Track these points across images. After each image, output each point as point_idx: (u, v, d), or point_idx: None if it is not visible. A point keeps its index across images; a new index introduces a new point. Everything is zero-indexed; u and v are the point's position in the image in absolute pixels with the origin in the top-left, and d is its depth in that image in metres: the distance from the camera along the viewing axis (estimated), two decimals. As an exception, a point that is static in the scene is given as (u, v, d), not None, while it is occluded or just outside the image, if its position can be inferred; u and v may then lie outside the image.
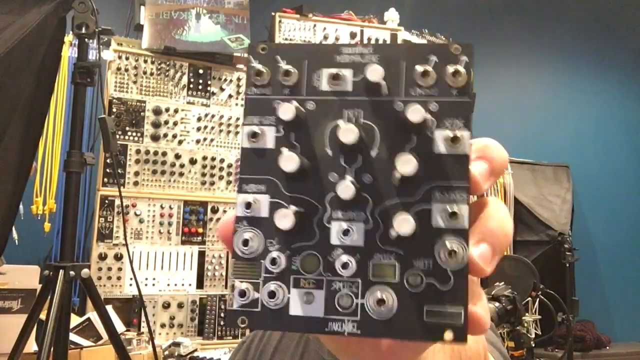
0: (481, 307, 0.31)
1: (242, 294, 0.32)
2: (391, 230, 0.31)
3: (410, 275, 0.31)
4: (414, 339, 0.31)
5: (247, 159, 0.34)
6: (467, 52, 0.33)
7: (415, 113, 0.31)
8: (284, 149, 0.33)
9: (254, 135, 0.33)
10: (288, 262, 0.32)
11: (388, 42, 3.75)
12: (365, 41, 3.67)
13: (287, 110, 0.33)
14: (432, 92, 0.32)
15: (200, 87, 3.41)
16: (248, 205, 0.33)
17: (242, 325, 0.32)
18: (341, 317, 0.31)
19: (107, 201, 3.12)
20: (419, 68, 0.32)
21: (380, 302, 0.31)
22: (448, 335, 0.30)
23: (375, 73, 0.32)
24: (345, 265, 0.31)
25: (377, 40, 3.74)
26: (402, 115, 0.32)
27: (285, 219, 0.32)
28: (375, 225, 0.32)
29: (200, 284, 3.29)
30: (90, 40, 1.93)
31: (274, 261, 0.32)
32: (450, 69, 0.32)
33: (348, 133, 0.32)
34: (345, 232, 0.32)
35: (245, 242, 0.32)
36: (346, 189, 0.31)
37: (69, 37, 2.99)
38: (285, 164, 0.32)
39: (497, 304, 2.50)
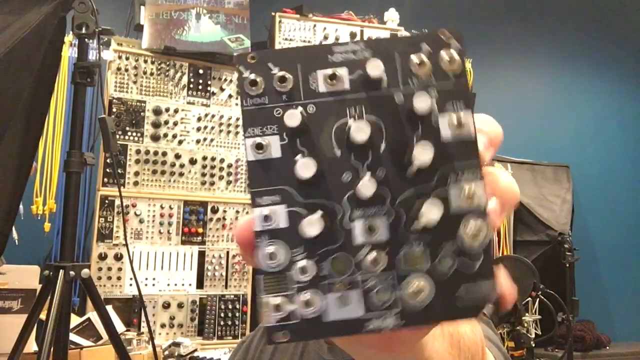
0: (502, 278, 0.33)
1: (277, 308, 0.31)
2: (417, 221, 0.31)
3: (440, 260, 0.32)
4: (456, 318, 0.32)
5: (256, 172, 0.33)
6: (457, 37, 0.33)
7: (423, 101, 0.32)
8: (298, 156, 0.32)
9: (259, 146, 0.33)
10: (317, 268, 0.32)
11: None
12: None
13: (293, 117, 0.32)
14: (430, 79, 0.33)
15: (200, 87, 3.41)
16: (266, 219, 0.32)
17: (285, 340, 0.31)
18: (382, 312, 0.31)
19: (107, 201, 3.12)
20: (415, 58, 0.33)
21: (418, 290, 0.31)
22: (487, 307, 0.31)
23: (376, 68, 0.32)
24: (375, 262, 0.31)
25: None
26: (406, 105, 0.32)
27: (312, 226, 0.31)
28: (397, 217, 0.32)
29: (200, 284, 3.29)
30: (90, 40, 1.93)
31: (304, 270, 0.32)
32: (445, 55, 0.33)
33: (360, 131, 0.32)
34: (369, 229, 0.32)
35: (271, 256, 0.32)
36: (367, 186, 0.32)
37: (69, 37, 2.99)
38: (303, 171, 0.32)
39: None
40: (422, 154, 0.31)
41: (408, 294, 0.31)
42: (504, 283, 0.32)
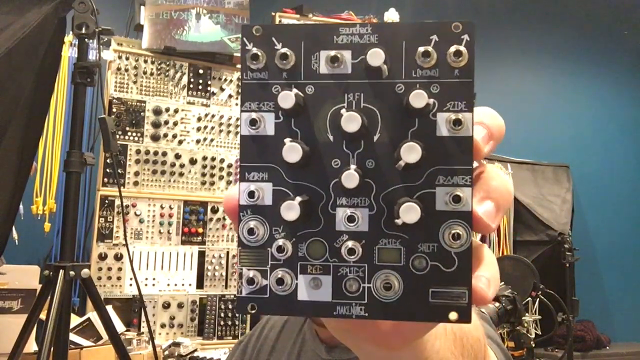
0: (487, 274, 0.32)
1: (251, 281, 0.32)
2: (397, 220, 0.31)
3: (415, 259, 0.31)
4: (420, 320, 0.31)
5: (248, 147, 0.33)
6: (469, 31, 0.32)
7: (418, 98, 0.31)
8: (287, 140, 0.32)
9: (253, 122, 0.33)
10: (294, 249, 0.32)
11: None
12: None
13: (287, 98, 0.32)
14: (434, 73, 0.32)
15: (200, 87, 3.41)
16: (251, 194, 0.33)
17: (252, 311, 0.32)
18: (348, 301, 0.32)
19: (107, 201, 3.11)
20: (422, 50, 0.32)
21: (387, 285, 0.31)
22: (453, 315, 0.31)
23: (376, 57, 0.32)
24: (351, 251, 0.32)
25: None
26: (404, 99, 0.32)
27: (290, 210, 0.32)
28: (379, 211, 0.32)
29: (200, 284, 3.29)
30: (90, 40, 1.93)
31: (280, 248, 0.32)
32: (452, 49, 0.32)
33: (351, 122, 0.31)
34: (350, 219, 0.32)
35: (251, 231, 0.32)
36: (350, 177, 0.31)
37: (69, 37, 2.99)
38: (289, 154, 0.32)
39: (497, 304, 2.50)
40: (409, 153, 0.31)
41: (376, 288, 0.31)
42: (480, 285, 0.31)
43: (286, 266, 0.32)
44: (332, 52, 0.32)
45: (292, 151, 0.32)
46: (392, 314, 0.31)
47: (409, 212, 0.31)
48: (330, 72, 0.33)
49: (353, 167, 0.32)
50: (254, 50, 0.33)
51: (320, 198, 0.32)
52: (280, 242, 0.32)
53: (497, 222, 0.32)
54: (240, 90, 0.34)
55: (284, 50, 0.33)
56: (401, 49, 0.32)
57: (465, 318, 0.31)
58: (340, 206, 0.32)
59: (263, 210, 0.33)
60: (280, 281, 0.32)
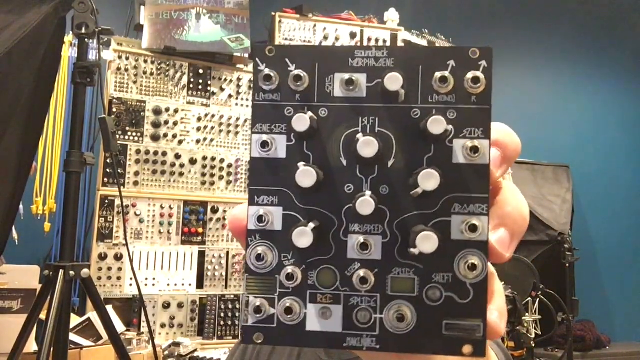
0: (497, 308, 0.31)
1: (258, 310, 0.31)
2: (412, 249, 0.30)
3: (429, 289, 0.31)
4: (432, 353, 0.31)
5: (258, 170, 0.32)
6: (486, 57, 0.32)
7: (437, 124, 0.30)
8: (301, 164, 0.31)
9: (264, 144, 0.32)
10: (304, 276, 0.31)
11: (388, 42, 3.75)
12: (365, 41, 3.67)
13: (301, 121, 0.31)
14: (450, 98, 0.31)
15: (200, 87, 3.41)
16: (260, 219, 0.32)
17: (259, 342, 0.31)
18: (359, 333, 0.31)
19: (107, 201, 3.11)
20: (439, 75, 0.31)
21: (400, 317, 0.30)
22: (467, 349, 0.30)
23: (395, 82, 0.31)
24: (363, 280, 0.31)
25: (377, 40, 3.74)
26: (420, 124, 0.31)
27: (303, 237, 0.31)
28: (393, 239, 0.31)
29: (200, 284, 3.29)
30: (90, 40, 1.93)
31: (289, 276, 0.31)
32: (470, 75, 0.31)
33: (368, 146, 0.30)
34: (363, 246, 0.31)
35: (259, 257, 0.31)
36: (366, 204, 0.30)
37: (69, 37, 2.99)
38: (303, 179, 0.31)
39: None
40: (427, 181, 0.30)
41: (389, 319, 0.31)
42: (493, 319, 0.30)
43: (295, 295, 0.31)
44: (347, 75, 0.32)
45: (306, 175, 0.31)
46: (404, 346, 0.31)
47: (427, 242, 0.30)
48: (344, 96, 0.32)
49: (368, 192, 0.31)
50: (267, 71, 0.32)
51: (332, 224, 0.31)
52: (290, 269, 0.31)
53: (512, 250, 0.31)
54: (252, 111, 0.34)
55: (298, 71, 0.32)
56: (417, 74, 0.32)
57: (479, 353, 0.30)
58: (353, 233, 0.31)
59: (272, 235, 0.32)
60: (288, 310, 0.31)
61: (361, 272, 0.31)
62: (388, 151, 0.31)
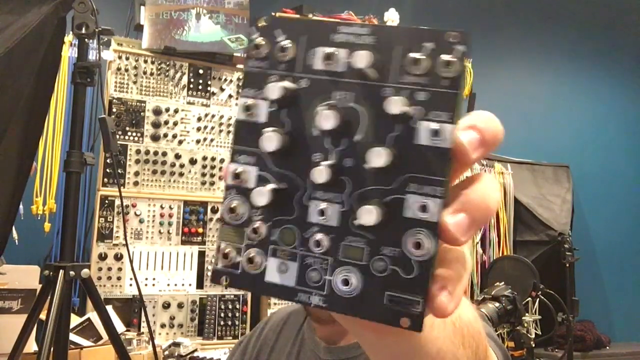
0: (452, 288, 0.32)
1: (226, 256, 0.34)
2: (355, 219, 0.32)
3: (376, 260, 0.32)
4: (372, 319, 0.32)
5: (240, 131, 0.35)
6: (465, 41, 0.32)
7: (394, 105, 0.31)
8: (269, 129, 0.33)
9: (247, 108, 0.34)
10: (268, 232, 0.34)
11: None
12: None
13: (273, 90, 0.33)
14: (422, 80, 0.32)
15: (200, 87, 3.42)
16: (237, 176, 0.34)
17: (224, 283, 0.34)
18: (309, 290, 0.33)
19: (107, 201, 3.12)
20: (412, 56, 0.32)
21: (345, 281, 0.32)
22: (405, 322, 0.31)
23: (361, 60, 0.32)
24: (317, 243, 0.33)
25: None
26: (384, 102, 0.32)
27: (260, 196, 0.33)
28: (350, 209, 0.33)
29: (200, 284, 3.29)
30: (90, 40, 1.93)
31: (255, 230, 0.34)
32: (444, 58, 0.31)
33: (326, 119, 0.32)
34: (321, 212, 0.33)
35: (232, 210, 0.34)
36: (318, 173, 0.32)
37: (69, 37, 2.99)
38: (265, 143, 0.33)
39: (497, 304, 2.50)
40: (375, 158, 0.31)
41: (336, 282, 0.32)
42: (441, 299, 0.31)
43: (259, 247, 0.34)
44: (328, 49, 0.33)
45: (269, 140, 0.33)
46: (348, 308, 0.32)
47: (367, 215, 0.31)
48: (324, 69, 0.33)
49: (327, 162, 0.33)
50: (258, 40, 0.35)
51: (297, 188, 0.34)
52: (257, 224, 0.34)
53: (469, 236, 0.32)
54: (242, 76, 0.35)
55: (284, 42, 0.34)
56: (394, 54, 0.33)
57: (416, 327, 0.31)
58: (315, 199, 0.33)
59: (246, 192, 0.34)
60: (251, 260, 0.34)
61: (318, 236, 0.33)
62: (357, 127, 0.33)
